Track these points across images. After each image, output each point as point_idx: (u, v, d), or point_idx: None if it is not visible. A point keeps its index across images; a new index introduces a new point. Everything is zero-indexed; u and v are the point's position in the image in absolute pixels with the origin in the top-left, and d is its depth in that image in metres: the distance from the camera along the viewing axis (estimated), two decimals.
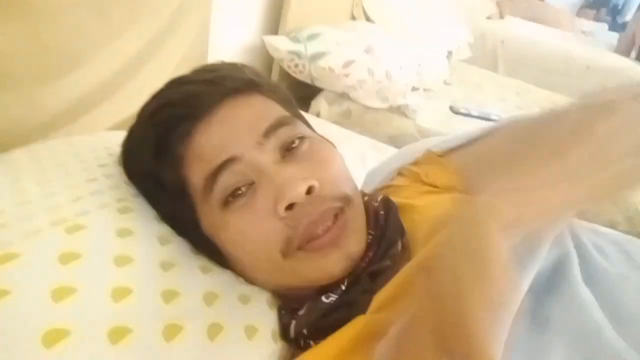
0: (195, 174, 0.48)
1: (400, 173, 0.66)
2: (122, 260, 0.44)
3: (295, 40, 1.50)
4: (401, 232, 0.53)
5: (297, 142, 0.50)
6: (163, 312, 0.42)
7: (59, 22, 0.74)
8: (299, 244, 0.46)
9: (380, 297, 0.47)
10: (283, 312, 0.52)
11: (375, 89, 1.49)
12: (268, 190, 0.46)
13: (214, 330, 0.44)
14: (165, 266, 0.47)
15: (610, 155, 0.42)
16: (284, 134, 0.49)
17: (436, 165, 0.62)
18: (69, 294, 0.38)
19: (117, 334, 0.38)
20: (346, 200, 0.48)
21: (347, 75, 1.47)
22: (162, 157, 0.48)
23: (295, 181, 0.45)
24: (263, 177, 0.47)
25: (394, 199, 0.58)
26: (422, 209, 0.55)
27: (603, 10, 5.98)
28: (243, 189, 0.47)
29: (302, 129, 0.52)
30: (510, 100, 2.11)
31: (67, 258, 0.41)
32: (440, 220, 0.49)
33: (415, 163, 0.65)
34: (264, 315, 0.50)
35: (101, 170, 0.55)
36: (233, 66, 0.55)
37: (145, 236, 0.48)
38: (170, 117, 0.48)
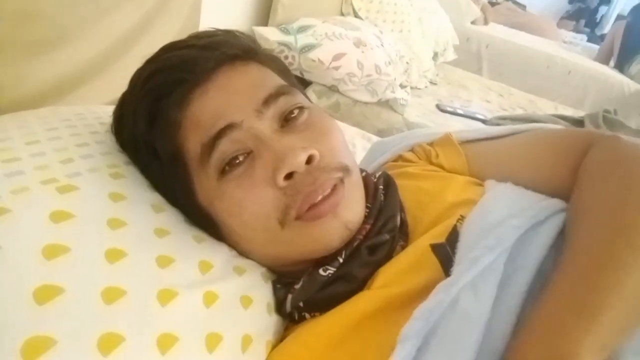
0: (192, 141, 0.46)
1: (412, 149, 0.68)
2: (115, 224, 0.42)
3: (285, 31, 1.49)
4: (400, 208, 0.53)
5: (296, 112, 0.49)
6: (158, 276, 0.41)
7: None
8: (297, 214, 0.45)
9: (386, 272, 0.47)
10: (278, 286, 0.50)
11: (365, 82, 1.49)
12: (267, 159, 0.45)
13: (209, 298, 0.43)
14: (160, 233, 0.45)
15: None
16: (283, 103, 0.48)
17: (451, 147, 0.65)
18: (62, 253, 0.36)
19: (112, 294, 0.36)
20: (345, 171, 0.47)
21: (336, 68, 1.46)
22: (156, 123, 0.47)
23: (295, 150, 0.44)
24: (262, 146, 0.45)
25: (400, 172, 0.60)
26: (429, 193, 0.56)
27: (582, 22, 6.14)
28: (241, 157, 0.45)
29: (301, 98, 0.51)
30: (495, 102, 2.13)
31: (58, 217, 0.39)
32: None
33: (431, 143, 0.67)
34: (258, 287, 0.49)
35: (92, 137, 0.53)
36: (230, 33, 0.53)
37: (139, 202, 0.47)
38: (166, 83, 0.46)
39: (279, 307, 0.50)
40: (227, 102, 0.46)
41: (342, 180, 0.47)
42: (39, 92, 0.76)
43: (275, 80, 0.50)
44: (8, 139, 0.47)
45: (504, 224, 0.46)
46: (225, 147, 0.45)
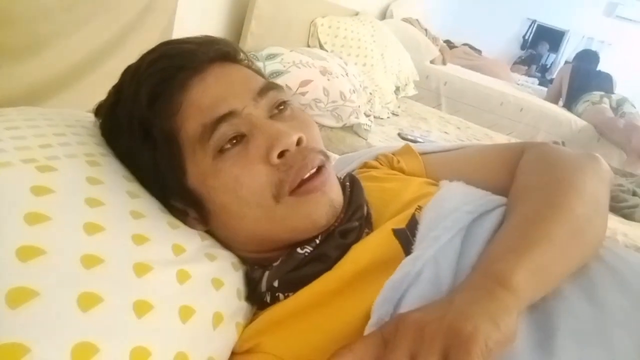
0: (192, 122, 0.50)
1: (376, 158, 0.75)
2: (93, 202, 0.44)
3: (255, 58, 1.54)
4: (365, 202, 0.58)
5: (283, 105, 0.54)
6: (134, 252, 0.43)
7: (25, 1, 0.74)
8: (290, 188, 0.49)
9: (354, 252, 0.51)
10: (256, 267, 0.53)
11: (330, 108, 1.55)
12: (261, 140, 0.49)
13: (182, 276, 0.45)
14: (135, 215, 0.47)
15: (600, 208, 0.52)
16: (273, 96, 0.53)
17: (411, 154, 0.74)
18: (43, 221, 0.38)
19: (90, 261, 0.38)
20: (326, 156, 0.52)
21: (303, 94, 1.52)
22: (157, 104, 0.50)
23: (287, 132, 0.49)
24: (256, 130, 0.50)
25: (365, 176, 0.66)
26: (391, 191, 0.62)
27: (533, 67, 6.55)
28: (235, 140, 0.50)
29: (285, 95, 0.56)
30: (453, 133, 2.24)
31: (39, 191, 0.40)
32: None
33: (393, 152, 0.76)
34: (229, 273, 0.51)
35: (69, 129, 0.54)
36: (222, 38, 0.58)
37: (115, 188, 0.49)
38: (169, 67, 0.50)
39: (250, 292, 0.52)
40: (227, 89, 0.51)
41: (324, 163, 0.51)
42: (8, 98, 0.77)
43: (262, 78, 0.56)
44: None
45: (459, 209, 0.53)
46: (225, 130, 0.49)
